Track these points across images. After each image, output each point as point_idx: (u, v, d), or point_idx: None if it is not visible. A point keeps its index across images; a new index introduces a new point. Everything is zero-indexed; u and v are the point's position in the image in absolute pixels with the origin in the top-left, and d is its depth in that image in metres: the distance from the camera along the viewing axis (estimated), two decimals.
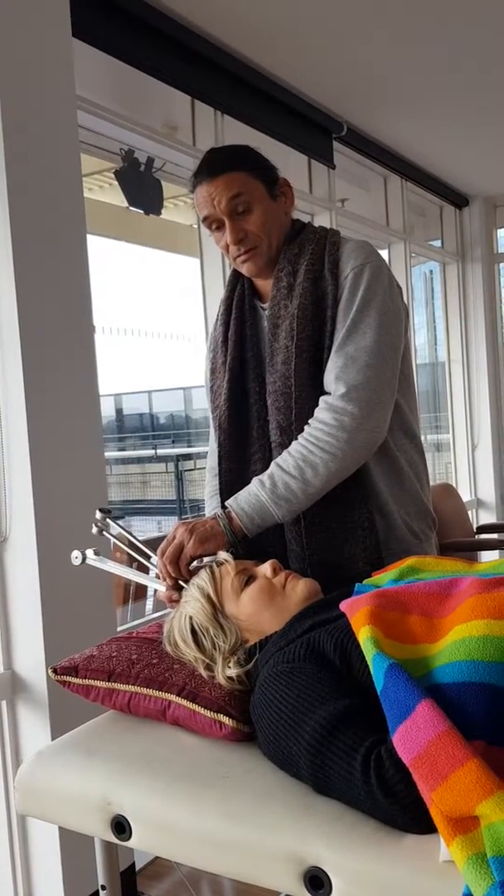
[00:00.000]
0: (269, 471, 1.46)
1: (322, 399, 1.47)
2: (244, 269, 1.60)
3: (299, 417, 1.50)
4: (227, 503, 1.47)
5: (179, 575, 1.41)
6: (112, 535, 1.59)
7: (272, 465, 1.48)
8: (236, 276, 1.69)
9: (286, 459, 1.45)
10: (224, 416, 1.63)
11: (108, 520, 1.60)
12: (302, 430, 1.48)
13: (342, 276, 1.51)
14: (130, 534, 1.60)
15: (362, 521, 1.52)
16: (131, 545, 1.58)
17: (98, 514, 1.60)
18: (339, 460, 1.43)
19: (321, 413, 1.45)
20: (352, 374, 1.44)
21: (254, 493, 1.45)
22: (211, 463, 1.75)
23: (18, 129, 2.00)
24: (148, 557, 1.55)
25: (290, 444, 1.49)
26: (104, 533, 1.60)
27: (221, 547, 1.41)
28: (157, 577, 1.47)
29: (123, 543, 1.57)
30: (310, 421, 1.47)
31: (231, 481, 1.61)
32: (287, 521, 1.50)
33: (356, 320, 1.48)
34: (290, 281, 1.55)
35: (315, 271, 1.53)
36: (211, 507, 1.71)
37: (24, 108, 2.03)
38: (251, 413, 1.61)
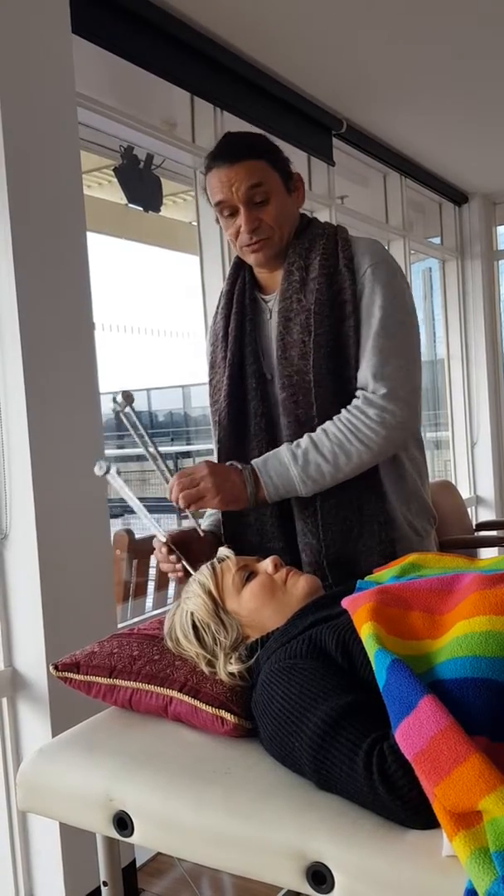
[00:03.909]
0: (302, 446, 1.49)
1: (362, 394, 1.50)
2: (251, 259, 1.60)
3: (321, 412, 1.52)
4: (256, 467, 1.49)
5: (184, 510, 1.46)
6: (129, 423, 1.54)
7: (306, 439, 1.49)
8: (238, 268, 1.69)
9: (322, 441, 1.48)
10: (223, 413, 1.63)
11: (129, 408, 1.55)
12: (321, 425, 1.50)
13: (360, 273, 1.53)
14: (149, 435, 1.56)
15: (378, 514, 1.54)
16: (147, 445, 1.55)
17: (120, 398, 1.54)
18: (373, 454, 1.48)
19: (364, 406, 1.48)
20: (391, 374, 1.49)
21: (284, 465, 1.48)
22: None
23: (18, 126, 2.00)
24: (165, 473, 1.54)
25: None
26: (122, 417, 1.55)
27: (241, 507, 1.49)
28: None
29: (139, 433, 1.54)
30: (348, 409, 1.50)
31: None
32: (302, 510, 1.52)
33: (385, 319, 1.51)
34: (303, 275, 1.55)
35: (329, 266, 1.54)
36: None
37: (24, 104, 2.02)
38: (249, 409, 1.62)
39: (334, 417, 1.50)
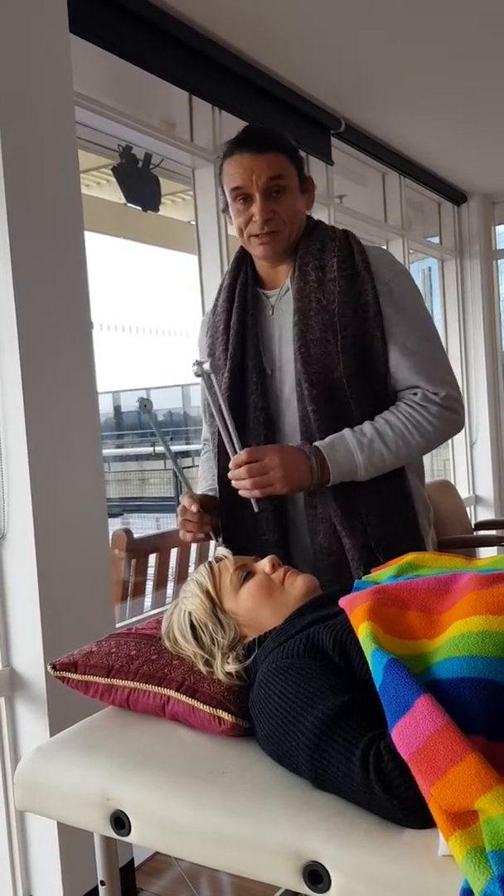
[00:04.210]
0: (368, 434, 1.54)
1: (422, 392, 1.58)
2: (259, 251, 1.62)
3: (357, 408, 1.57)
4: (324, 452, 1.52)
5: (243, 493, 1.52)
6: (206, 384, 1.58)
7: (369, 428, 1.55)
8: (240, 262, 1.71)
9: (386, 431, 1.55)
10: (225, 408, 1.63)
11: (209, 375, 1.59)
12: (356, 422, 1.56)
13: (380, 278, 1.59)
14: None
15: (407, 510, 1.63)
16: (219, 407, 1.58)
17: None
18: (428, 448, 1.61)
19: (426, 403, 1.57)
20: (445, 378, 1.60)
21: (350, 451, 1.53)
22: (205, 434, 1.84)
23: (16, 126, 2.00)
24: (232, 446, 1.58)
25: (332, 433, 1.54)
26: (202, 378, 1.59)
27: (301, 491, 1.55)
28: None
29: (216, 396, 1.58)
30: (409, 404, 1.57)
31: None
32: (339, 496, 1.57)
33: (417, 324, 1.61)
34: (319, 275, 1.59)
35: (348, 268, 1.59)
36: (207, 477, 1.77)
37: (22, 104, 2.02)
38: (249, 402, 1.64)
39: (393, 410, 1.58)
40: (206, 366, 1.57)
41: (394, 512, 1.60)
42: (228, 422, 1.56)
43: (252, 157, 1.55)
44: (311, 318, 1.58)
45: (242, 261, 1.71)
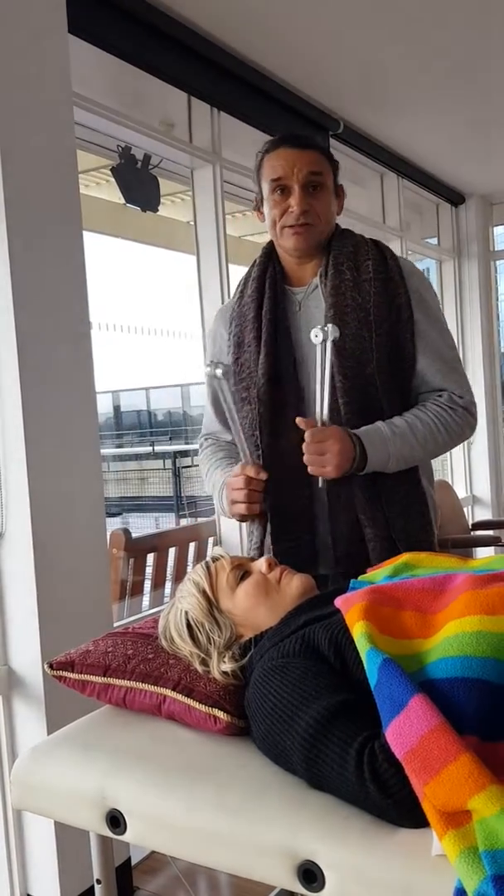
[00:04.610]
0: (400, 427, 1.60)
1: (448, 395, 1.67)
2: (291, 241, 1.67)
3: (388, 405, 1.64)
4: (364, 440, 1.56)
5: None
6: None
7: (402, 422, 1.61)
8: (268, 258, 1.76)
9: (417, 426, 1.62)
10: (263, 390, 1.68)
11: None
12: (384, 418, 1.62)
13: (411, 285, 1.68)
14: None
15: (422, 506, 1.70)
16: None
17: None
18: (448, 447, 1.69)
19: (452, 405, 1.66)
20: (465, 384, 1.72)
21: (384, 442, 1.58)
22: (211, 428, 1.87)
23: (14, 126, 2.00)
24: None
25: (361, 425, 1.59)
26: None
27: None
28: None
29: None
30: (438, 405, 1.66)
31: (271, 455, 1.66)
32: (365, 487, 1.62)
33: (444, 332, 1.71)
34: (355, 275, 1.66)
35: (383, 272, 1.67)
36: (216, 473, 1.77)
37: (21, 104, 2.02)
38: (287, 389, 1.68)
39: (422, 408, 1.65)
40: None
41: (412, 507, 1.67)
42: (322, 390, 1.58)
43: (295, 152, 1.63)
44: (347, 315, 1.63)
45: (270, 255, 1.76)
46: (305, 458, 1.55)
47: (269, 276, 1.73)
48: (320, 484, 1.59)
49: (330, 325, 1.55)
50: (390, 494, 1.64)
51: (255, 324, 1.71)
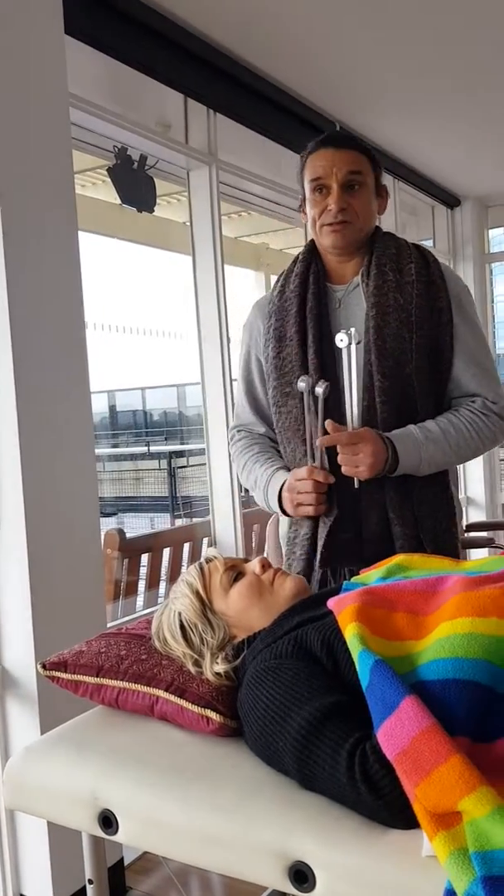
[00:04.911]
0: (433, 433, 1.63)
1: (482, 401, 1.69)
2: (329, 239, 1.70)
3: (424, 406, 1.67)
4: (396, 444, 1.59)
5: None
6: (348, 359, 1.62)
7: (434, 427, 1.64)
8: (310, 255, 1.78)
9: (450, 432, 1.65)
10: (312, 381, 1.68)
11: (353, 347, 1.63)
12: (419, 419, 1.65)
13: (451, 290, 1.72)
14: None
15: (450, 508, 1.73)
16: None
17: (347, 337, 1.64)
18: (480, 452, 1.71)
19: (486, 412, 1.68)
20: (500, 391, 1.72)
21: (417, 446, 1.61)
22: (244, 419, 1.88)
23: (10, 126, 2.00)
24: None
25: (396, 427, 1.63)
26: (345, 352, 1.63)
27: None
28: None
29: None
30: (471, 410, 1.68)
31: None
32: (397, 486, 1.65)
33: (481, 339, 1.74)
34: (397, 276, 1.69)
35: (426, 275, 1.71)
36: (256, 469, 1.78)
37: (16, 104, 2.02)
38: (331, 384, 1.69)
39: (455, 413, 1.68)
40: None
41: (441, 509, 1.70)
42: (354, 397, 1.62)
43: (335, 152, 1.66)
44: (389, 315, 1.66)
45: (313, 253, 1.78)
46: (340, 459, 1.58)
47: (313, 272, 1.76)
48: (356, 484, 1.62)
49: (353, 329, 1.58)
50: (421, 495, 1.67)
51: (297, 318, 1.73)
